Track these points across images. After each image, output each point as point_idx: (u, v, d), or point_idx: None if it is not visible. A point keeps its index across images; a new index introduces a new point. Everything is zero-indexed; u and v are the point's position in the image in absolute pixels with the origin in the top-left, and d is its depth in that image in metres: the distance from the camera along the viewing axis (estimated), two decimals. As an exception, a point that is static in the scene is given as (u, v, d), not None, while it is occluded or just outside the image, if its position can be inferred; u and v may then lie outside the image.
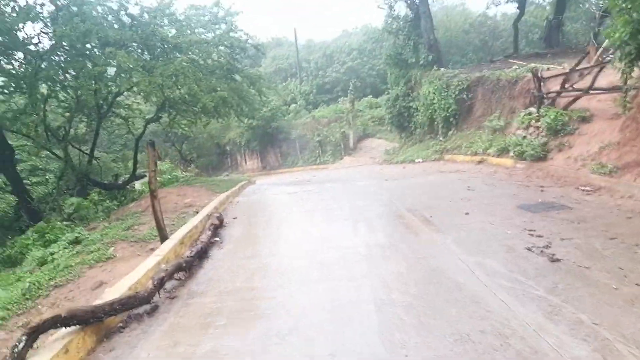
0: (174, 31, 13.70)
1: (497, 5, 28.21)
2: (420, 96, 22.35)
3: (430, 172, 14.76)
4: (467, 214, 7.87)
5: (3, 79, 14.89)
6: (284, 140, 37.25)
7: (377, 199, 10.28)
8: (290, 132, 36.80)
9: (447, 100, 19.96)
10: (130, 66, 12.33)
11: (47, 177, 20.99)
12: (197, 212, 10.04)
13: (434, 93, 20.82)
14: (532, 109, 13.46)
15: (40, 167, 21.01)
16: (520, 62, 19.03)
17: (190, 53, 13.31)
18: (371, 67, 45.31)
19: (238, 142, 39.75)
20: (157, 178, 18.45)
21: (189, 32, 13.57)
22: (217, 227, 8.28)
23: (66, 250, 8.44)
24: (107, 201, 11.58)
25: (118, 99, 16.06)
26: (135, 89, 12.93)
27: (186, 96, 13.02)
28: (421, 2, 23.90)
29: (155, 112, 16.18)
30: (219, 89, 13.38)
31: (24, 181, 19.21)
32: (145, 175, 20.06)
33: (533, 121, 12.89)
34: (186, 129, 19.26)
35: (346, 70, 44.30)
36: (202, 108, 13.80)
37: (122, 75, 12.58)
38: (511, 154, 13.60)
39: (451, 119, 19.95)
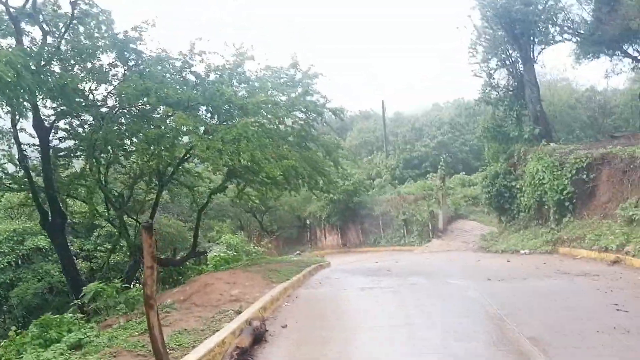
0: (243, 92, 12.23)
1: (617, 74, 24.44)
2: (526, 174, 19.14)
3: (546, 271, 11.46)
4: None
5: (73, 142, 14.24)
6: (367, 216, 34.75)
7: (482, 314, 7.37)
8: (373, 208, 34.28)
9: (561, 181, 16.65)
10: (190, 128, 10.81)
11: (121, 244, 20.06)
12: (240, 312, 7.74)
13: (543, 172, 17.60)
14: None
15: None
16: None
17: (259, 117, 11.64)
18: (463, 142, 42.52)
19: (318, 216, 37.85)
20: (215, 256, 16.61)
21: (260, 93, 12.04)
22: (248, 348, 5.83)
23: (62, 358, 6.40)
24: (133, 289, 9.69)
25: (187, 166, 14.76)
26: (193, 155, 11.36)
27: (249, 164, 11.27)
28: (526, 70, 21.31)
29: (222, 181, 14.61)
30: (288, 157, 11.49)
31: (98, 247, 18.32)
32: (208, 252, 18.42)
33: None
34: (257, 201, 17.50)
35: (436, 145, 41.79)
36: (268, 178, 11.90)
37: (180, 138, 11.06)
38: (665, 255, 10.11)
39: (566, 203, 16.51)
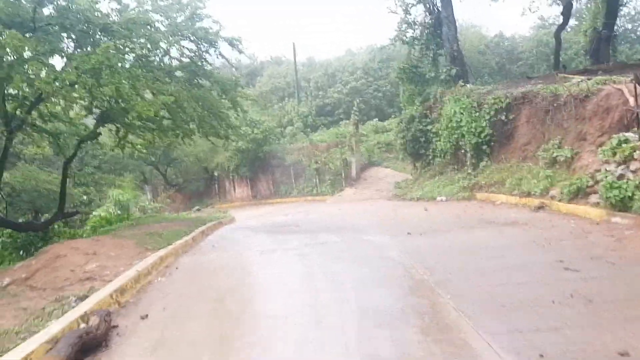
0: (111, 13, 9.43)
1: (533, 12, 23.75)
2: (442, 118, 18.02)
3: (469, 221, 10.27)
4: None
5: None
6: (278, 166, 32.81)
7: (407, 283, 5.79)
8: (284, 158, 32.36)
9: (479, 123, 15.65)
10: (29, 54, 8.00)
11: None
12: (86, 297, 5.56)
13: (460, 114, 16.50)
14: (631, 134, 9.08)
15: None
16: (577, 76, 14.74)
17: (128, 41, 8.96)
18: (377, 88, 41.33)
19: (227, 167, 35.25)
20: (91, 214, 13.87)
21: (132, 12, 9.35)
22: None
23: None
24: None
25: (54, 108, 11.72)
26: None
27: (116, 101, 8.74)
28: (444, 6, 19.84)
29: (94, 127, 11.81)
30: (168, 93, 9.05)
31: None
32: (78, 212, 15.57)
33: (637, 152, 8.49)
34: (143, 150, 14.84)
35: (349, 91, 40.24)
36: (142, 119, 9.44)
37: (23, 68, 8.14)
38: (595, 200, 9.18)
39: (484, 147, 15.61)
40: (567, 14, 21.01)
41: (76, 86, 7.95)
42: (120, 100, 8.69)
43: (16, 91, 9.76)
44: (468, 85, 18.15)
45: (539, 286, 5.19)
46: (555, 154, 11.79)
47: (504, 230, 8.70)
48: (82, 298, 5.61)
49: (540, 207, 10.63)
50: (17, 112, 10.07)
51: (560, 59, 23.31)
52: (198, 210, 21.22)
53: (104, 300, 5.39)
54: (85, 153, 25.70)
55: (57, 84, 7.49)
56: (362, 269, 6.59)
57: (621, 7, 23.72)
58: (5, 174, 18.83)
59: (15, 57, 7.54)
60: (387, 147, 28.93)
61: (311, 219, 14.61)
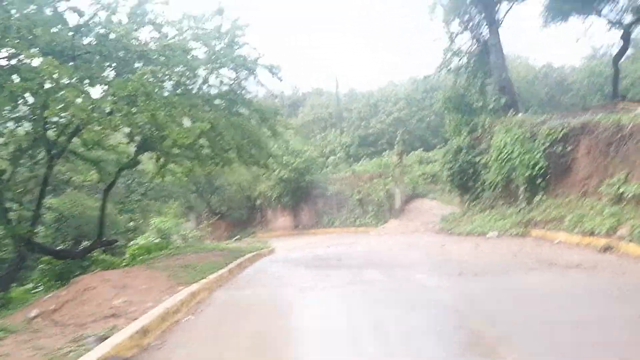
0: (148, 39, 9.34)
1: (589, 38, 22.58)
2: (492, 149, 17.14)
3: (527, 261, 9.36)
4: None
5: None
6: (320, 196, 32.37)
7: (465, 337, 5.06)
8: (327, 188, 31.92)
9: (533, 155, 14.72)
10: (68, 81, 7.89)
11: None
12: (106, 338, 5.12)
13: (512, 145, 15.61)
14: None
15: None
16: (641, 105, 13.69)
17: (165, 68, 8.76)
18: (420, 118, 40.63)
19: (269, 196, 35.10)
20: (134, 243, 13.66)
21: (170, 38, 9.21)
22: None
23: None
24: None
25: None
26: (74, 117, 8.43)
27: (154, 128, 8.53)
28: (491, 33, 19.21)
29: (134, 154, 11.73)
30: (204, 120, 8.79)
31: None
32: (116, 241, 15.45)
33: None
34: (184, 178, 14.70)
35: (392, 121, 39.70)
36: (177, 147, 9.17)
37: (50, 93, 8.05)
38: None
39: (539, 180, 14.62)
40: (627, 38, 19.89)
41: (113, 113, 7.76)
42: (157, 128, 8.48)
43: (56, 118, 9.78)
44: (519, 115, 17.28)
45: (623, 349, 4.36)
46: (621, 190, 10.76)
47: (569, 274, 7.78)
48: (102, 339, 5.17)
49: (607, 249, 9.60)
50: (59, 139, 10.07)
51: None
52: (238, 239, 20.90)
53: (123, 344, 4.92)
54: (132, 180, 26.14)
55: (91, 110, 7.32)
56: (411, 316, 5.89)
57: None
58: (54, 200, 19.24)
59: (52, 85, 7.45)
60: (432, 178, 28.07)
61: (354, 252, 13.95)
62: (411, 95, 42.26)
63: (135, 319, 5.85)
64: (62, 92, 7.56)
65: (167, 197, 31.05)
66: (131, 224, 23.62)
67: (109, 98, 7.67)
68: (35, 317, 7.07)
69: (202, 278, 8.16)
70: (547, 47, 75.65)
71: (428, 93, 40.82)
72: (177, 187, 28.86)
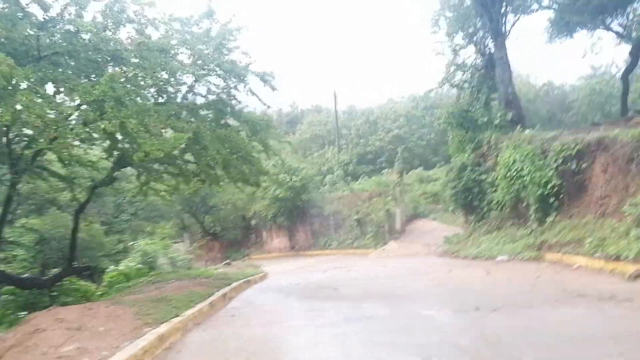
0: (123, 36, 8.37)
1: (596, 54, 21.81)
2: (499, 166, 16.16)
3: (550, 291, 8.27)
4: None
5: None
6: (317, 216, 31.29)
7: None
8: (324, 207, 30.86)
9: (544, 172, 13.72)
10: (26, 83, 6.89)
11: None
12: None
13: (521, 162, 14.63)
14: None
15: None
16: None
17: (140, 70, 7.77)
18: (420, 136, 39.84)
19: (264, 216, 33.98)
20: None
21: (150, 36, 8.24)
22: None
23: None
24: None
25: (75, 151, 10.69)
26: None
27: (127, 140, 7.52)
28: (497, 46, 18.40)
29: (110, 170, 10.67)
30: (184, 130, 7.77)
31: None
32: (89, 268, 14.26)
33: None
34: (168, 197, 13.64)
35: (392, 139, 38.93)
36: (147, 159, 8.09)
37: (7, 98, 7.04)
38: None
39: (551, 199, 13.60)
40: (636, 53, 19.11)
41: (79, 122, 6.77)
42: (129, 140, 7.48)
43: (27, 131, 8.77)
44: (527, 131, 16.36)
45: None
46: (648, 211, 9.74)
47: (605, 309, 6.69)
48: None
49: (638, 276, 8.54)
50: (23, 153, 9.04)
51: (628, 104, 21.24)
52: (227, 264, 19.67)
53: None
54: (122, 199, 25.00)
55: (51, 115, 6.33)
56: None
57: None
58: (34, 221, 18.10)
59: (3, 87, 6.45)
60: (434, 197, 27.05)
61: (352, 278, 12.85)
62: (411, 112, 41.60)
63: (87, 371, 4.75)
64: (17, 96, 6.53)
65: (160, 217, 29.92)
66: (120, 245, 22.39)
67: (71, 104, 6.68)
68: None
69: (176, 316, 7.02)
70: (550, 64, 75.64)
71: (428, 110, 40.19)
72: (169, 207, 27.73)
